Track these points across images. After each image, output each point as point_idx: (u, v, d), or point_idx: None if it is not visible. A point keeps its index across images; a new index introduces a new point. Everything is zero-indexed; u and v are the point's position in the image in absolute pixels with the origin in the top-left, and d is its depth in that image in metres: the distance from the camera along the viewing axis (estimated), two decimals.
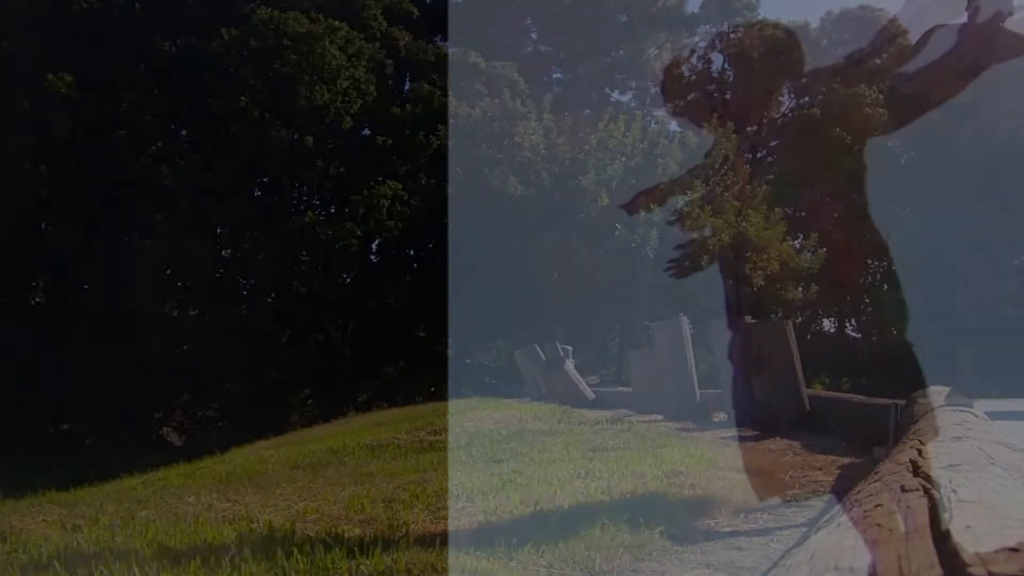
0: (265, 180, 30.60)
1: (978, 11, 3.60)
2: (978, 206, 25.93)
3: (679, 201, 10.72)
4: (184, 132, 30.82)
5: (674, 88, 26.63)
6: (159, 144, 29.17)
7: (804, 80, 25.88)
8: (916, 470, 1.93)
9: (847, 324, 27.72)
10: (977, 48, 3.66)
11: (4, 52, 27.42)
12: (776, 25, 26.75)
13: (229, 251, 30.14)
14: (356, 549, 3.36)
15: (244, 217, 28.38)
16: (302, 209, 30.18)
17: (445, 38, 32.70)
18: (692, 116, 24.61)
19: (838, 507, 1.93)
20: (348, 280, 29.60)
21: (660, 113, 35.37)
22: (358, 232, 27.84)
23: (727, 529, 3.97)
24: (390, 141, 29.15)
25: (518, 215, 24.94)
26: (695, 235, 10.06)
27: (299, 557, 3.26)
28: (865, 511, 1.51)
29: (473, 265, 23.98)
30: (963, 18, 3.76)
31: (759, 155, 25.44)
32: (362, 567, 3.17)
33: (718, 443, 7.25)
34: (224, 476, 7.50)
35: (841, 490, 3.61)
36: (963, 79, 3.84)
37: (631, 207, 12.76)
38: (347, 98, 28.80)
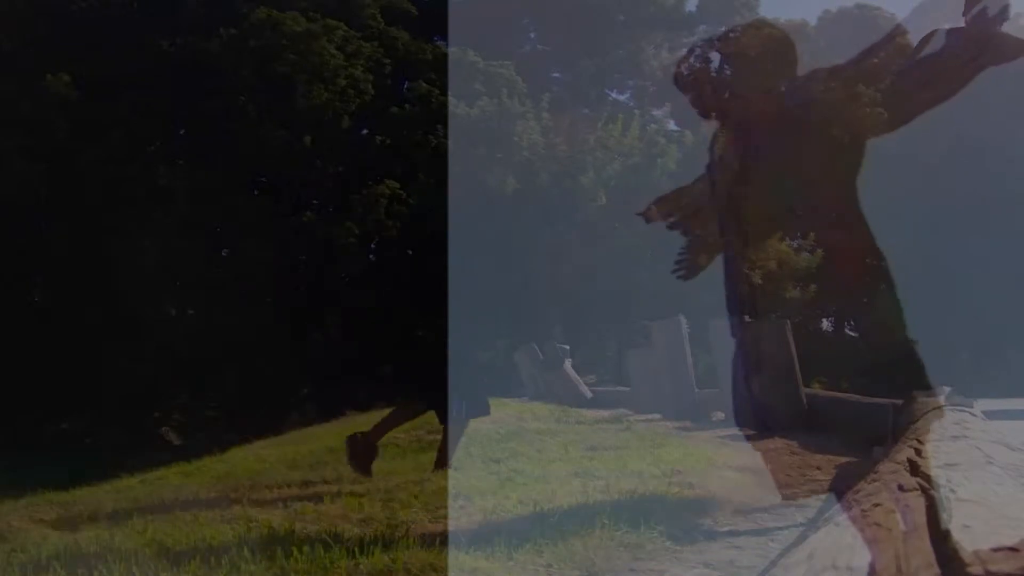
0: (263, 180, 30.57)
1: (976, 14, 3.63)
2: (978, 204, 25.95)
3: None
4: (182, 132, 30.79)
5: (671, 88, 26.60)
6: (157, 143, 29.13)
7: (803, 80, 25.87)
8: (914, 469, 1.93)
9: (846, 324, 27.72)
10: (974, 49, 3.69)
11: (2, 51, 27.39)
12: (775, 24, 26.74)
13: (228, 251, 30.09)
14: (355, 548, 3.36)
15: (243, 217, 28.34)
16: (301, 209, 30.14)
17: (444, 37, 32.67)
18: (690, 116, 24.59)
19: (836, 506, 1.93)
20: (347, 280, 29.54)
21: (658, 113, 35.40)
22: (356, 231, 27.81)
23: (726, 528, 3.97)
24: (388, 140, 29.12)
25: (517, 214, 24.93)
26: (697, 232, 10.08)
27: (298, 556, 3.26)
28: (863, 510, 1.51)
29: (472, 264, 23.95)
30: (961, 22, 3.79)
31: (757, 155, 25.38)
32: (361, 566, 3.17)
33: (716, 442, 7.26)
34: (223, 475, 7.50)
35: (839, 489, 3.61)
36: (962, 79, 3.87)
37: (648, 216, 12.70)
38: (345, 97, 28.77)
